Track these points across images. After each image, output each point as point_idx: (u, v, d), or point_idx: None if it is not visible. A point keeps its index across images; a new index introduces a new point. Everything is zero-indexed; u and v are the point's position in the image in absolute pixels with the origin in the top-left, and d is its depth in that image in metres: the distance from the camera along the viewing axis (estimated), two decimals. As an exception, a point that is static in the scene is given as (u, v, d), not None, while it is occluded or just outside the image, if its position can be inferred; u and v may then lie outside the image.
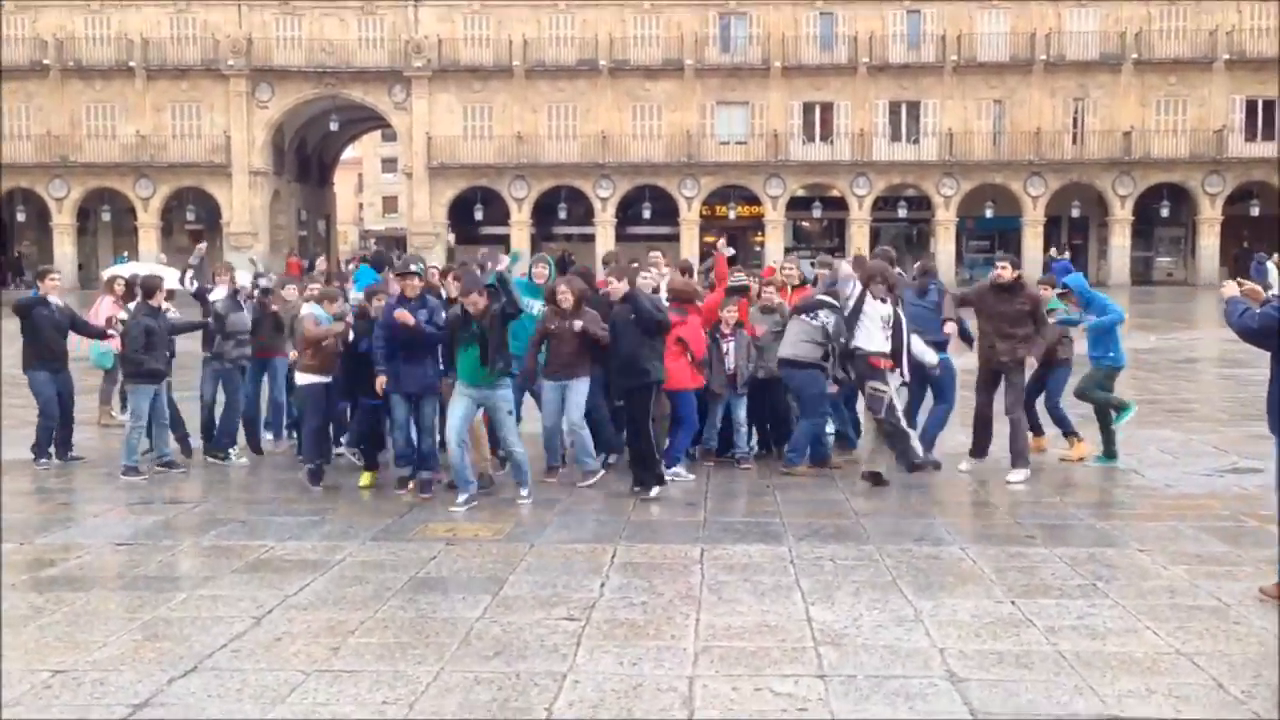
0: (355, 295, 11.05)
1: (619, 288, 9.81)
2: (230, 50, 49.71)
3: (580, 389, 9.86)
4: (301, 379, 10.11)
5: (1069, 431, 11.13)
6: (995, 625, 6.09)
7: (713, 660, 5.57)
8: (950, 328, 10.57)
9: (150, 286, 10.97)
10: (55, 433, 11.12)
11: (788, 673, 5.39)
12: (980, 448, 10.44)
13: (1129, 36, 49.19)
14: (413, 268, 9.98)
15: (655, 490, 9.47)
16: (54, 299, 11.24)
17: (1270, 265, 33.23)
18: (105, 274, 12.98)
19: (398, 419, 9.61)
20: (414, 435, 9.75)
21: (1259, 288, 6.54)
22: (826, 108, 50.66)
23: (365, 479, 9.88)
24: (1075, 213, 51.62)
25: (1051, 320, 10.72)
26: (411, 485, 9.70)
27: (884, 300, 9.84)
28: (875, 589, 6.78)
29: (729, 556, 7.55)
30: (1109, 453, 10.79)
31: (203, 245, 13.94)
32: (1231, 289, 6.47)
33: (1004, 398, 10.21)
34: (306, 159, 57.94)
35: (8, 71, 48.58)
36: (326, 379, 9.97)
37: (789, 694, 5.13)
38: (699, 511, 8.96)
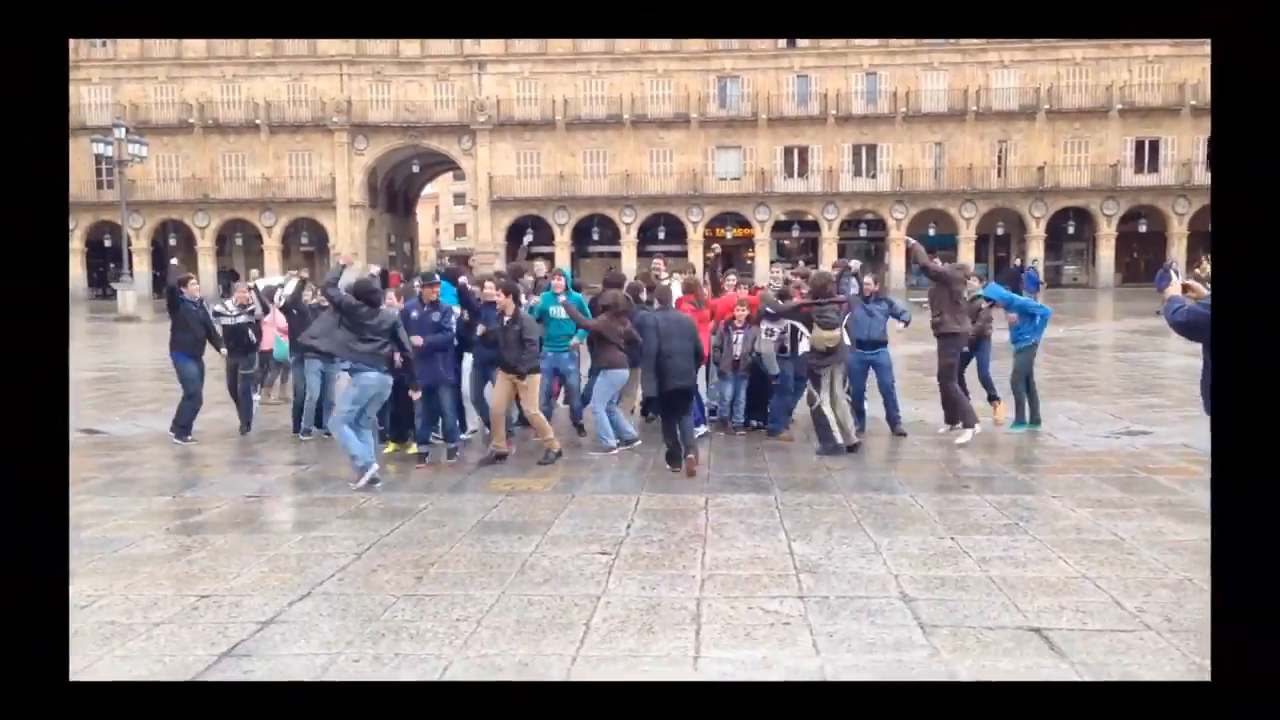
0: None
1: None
2: (334, 110, 49.88)
3: (603, 381, 9.71)
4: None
5: (993, 396, 10.92)
6: (938, 556, 6.06)
7: (715, 585, 5.55)
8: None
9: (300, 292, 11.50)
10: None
11: (775, 594, 5.37)
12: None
13: (1042, 91, 48.92)
14: (434, 277, 9.85)
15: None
16: (195, 297, 11.07)
17: (1173, 273, 32.70)
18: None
19: (417, 408, 9.30)
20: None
21: (1201, 287, 5.64)
22: (803, 150, 50.45)
23: (389, 448, 9.60)
24: (1000, 231, 51.44)
25: (978, 297, 10.78)
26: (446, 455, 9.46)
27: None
28: (843, 528, 6.74)
29: (728, 504, 7.53)
30: (1024, 419, 10.68)
31: (251, 280, 14.00)
32: (1175, 288, 5.70)
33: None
34: (394, 194, 58.02)
35: (161, 129, 48.93)
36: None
37: (775, 611, 5.11)
38: (704, 469, 8.92)
